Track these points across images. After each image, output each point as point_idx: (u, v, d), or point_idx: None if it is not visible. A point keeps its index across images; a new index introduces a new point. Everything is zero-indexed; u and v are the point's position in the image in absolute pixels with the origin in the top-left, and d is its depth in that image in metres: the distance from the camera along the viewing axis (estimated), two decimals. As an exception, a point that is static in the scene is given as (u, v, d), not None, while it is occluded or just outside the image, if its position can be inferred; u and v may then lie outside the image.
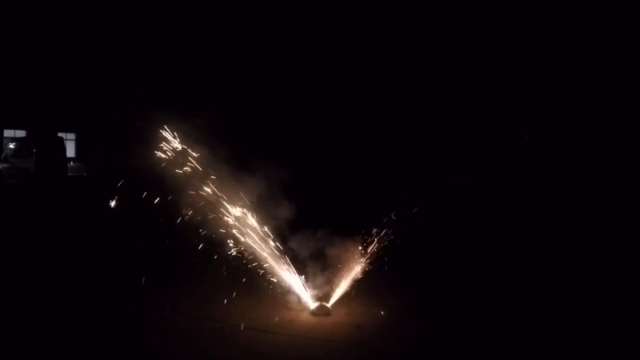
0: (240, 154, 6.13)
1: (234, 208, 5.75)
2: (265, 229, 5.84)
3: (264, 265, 5.83)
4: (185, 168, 5.67)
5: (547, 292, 6.58)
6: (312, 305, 5.70)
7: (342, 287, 5.95)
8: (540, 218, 12.90)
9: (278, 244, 5.88)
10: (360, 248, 6.07)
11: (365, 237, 6.16)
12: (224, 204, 5.73)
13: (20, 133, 26.75)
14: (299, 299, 5.82)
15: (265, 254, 5.80)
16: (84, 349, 4.60)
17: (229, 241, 5.74)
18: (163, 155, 5.75)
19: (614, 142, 21.49)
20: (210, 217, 5.71)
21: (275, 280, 5.88)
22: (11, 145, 20.59)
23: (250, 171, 5.89)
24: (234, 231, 5.74)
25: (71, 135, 29.91)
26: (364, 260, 6.04)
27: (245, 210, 5.75)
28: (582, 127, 22.40)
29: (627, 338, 5.05)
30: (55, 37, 24.94)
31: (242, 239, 5.74)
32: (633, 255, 8.39)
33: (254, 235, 5.76)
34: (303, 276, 5.93)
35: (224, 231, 5.73)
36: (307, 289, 5.85)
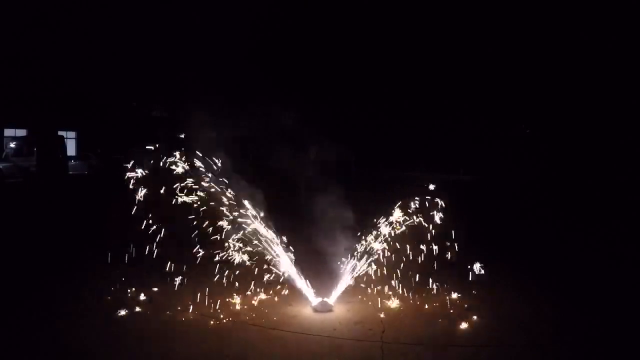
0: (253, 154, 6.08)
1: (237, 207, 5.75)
2: (273, 230, 5.84)
3: (267, 261, 5.84)
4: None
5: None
6: (314, 301, 5.73)
7: (343, 283, 5.97)
8: (539, 215, 12.89)
9: (281, 240, 5.90)
10: (360, 245, 6.09)
11: (367, 234, 6.17)
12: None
13: (21, 132, 26.77)
14: (301, 296, 5.84)
15: (268, 252, 5.81)
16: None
17: (231, 238, 5.75)
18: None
19: (613, 139, 21.49)
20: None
21: (277, 277, 5.90)
22: (12, 144, 20.68)
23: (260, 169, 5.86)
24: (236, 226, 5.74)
25: (72, 134, 29.93)
26: (365, 258, 6.06)
27: (248, 206, 5.76)
28: (582, 123, 22.40)
29: None
30: (56, 35, 24.89)
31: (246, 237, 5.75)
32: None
33: (259, 230, 5.76)
34: (304, 273, 5.94)
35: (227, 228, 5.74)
36: (309, 285, 5.87)
